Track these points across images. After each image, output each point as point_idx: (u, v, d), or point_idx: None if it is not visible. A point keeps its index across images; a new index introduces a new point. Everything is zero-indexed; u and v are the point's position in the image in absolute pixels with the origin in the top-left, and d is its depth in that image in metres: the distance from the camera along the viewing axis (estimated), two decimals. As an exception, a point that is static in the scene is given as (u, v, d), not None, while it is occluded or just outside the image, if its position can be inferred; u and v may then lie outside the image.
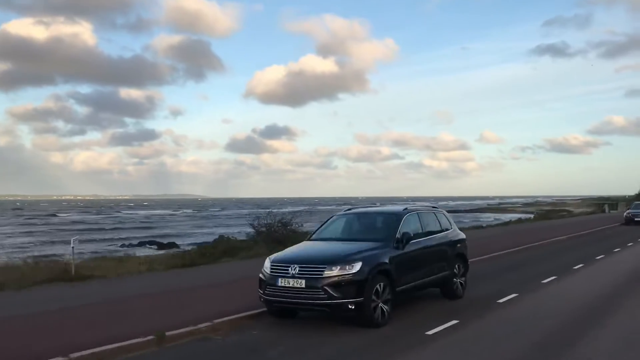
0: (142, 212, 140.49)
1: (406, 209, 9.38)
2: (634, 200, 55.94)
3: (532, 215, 45.54)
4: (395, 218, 8.95)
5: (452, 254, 9.90)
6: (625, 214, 34.33)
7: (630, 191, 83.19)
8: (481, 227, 31.43)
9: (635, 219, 32.45)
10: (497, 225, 33.78)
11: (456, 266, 9.93)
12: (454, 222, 10.77)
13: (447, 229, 10.11)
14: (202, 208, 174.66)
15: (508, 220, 40.45)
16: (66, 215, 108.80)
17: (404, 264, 8.46)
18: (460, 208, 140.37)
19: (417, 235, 9.07)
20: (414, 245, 8.79)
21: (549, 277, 12.33)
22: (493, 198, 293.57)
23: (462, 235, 10.57)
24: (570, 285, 11.48)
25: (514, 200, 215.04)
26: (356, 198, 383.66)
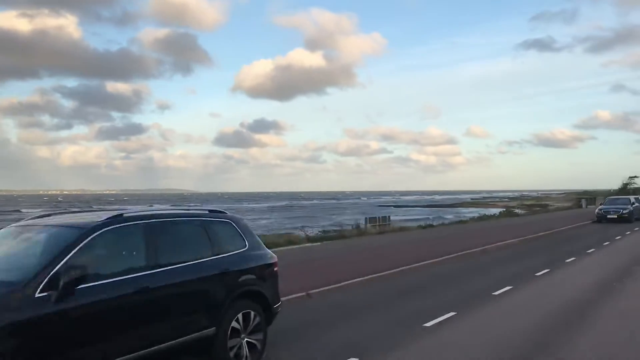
0: (110, 209, 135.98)
1: (118, 216, 4.99)
2: (617, 195, 52.21)
3: (498, 212, 41.42)
4: (65, 239, 4.57)
5: (230, 294, 5.58)
6: (597, 210, 30.32)
7: (615, 185, 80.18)
8: (431, 225, 27.29)
9: (608, 216, 28.46)
10: (451, 223, 29.73)
11: (239, 316, 5.65)
12: (255, 235, 6.45)
13: (228, 252, 5.82)
14: (179, 203, 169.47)
15: (470, 217, 36.36)
16: (28, 212, 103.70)
17: (64, 330, 4.19)
18: (445, 202, 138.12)
19: (125, 270, 4.77)
20: (106, 290, 4.52)
21: (445, 313, 8.13)
22: (480, 192, 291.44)
23: (264, 259, 6.22)
24: (470, 333, 7.24)
25: (501, 194, 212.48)
26: (343, 192, 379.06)
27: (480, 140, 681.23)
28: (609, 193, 67.08)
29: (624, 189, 75.63)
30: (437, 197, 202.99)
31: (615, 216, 28.25)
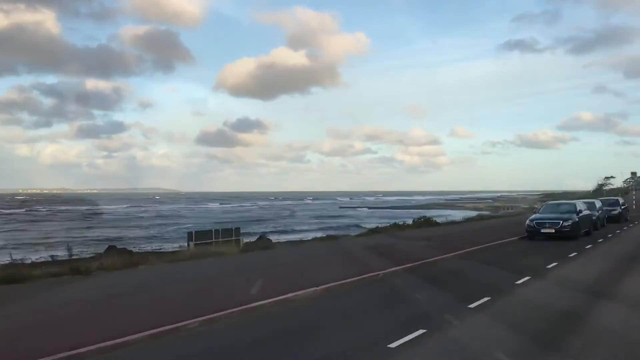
0: (61, 208, 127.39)
1: None
2: (599, 196, 43.72)
3: (412, 220, 31.96)
4: None
5: None
6: (527, 221, 20.60)
7: (592, 186, 73.06)
8: (301, 244, 17.90)
9: (542, 231, 19.07)
10: (318, 238, 20.50)
11: None
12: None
13: None
14: (141, 203, 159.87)
15: (370, 228, 27.10)
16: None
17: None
18: (419, 204, 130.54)
19: None
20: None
21: None
22: (464, 193, 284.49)
23: None
24: None
25: (482, 195, 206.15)
26: (327, 192, 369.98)
27: (463, 140, 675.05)
28: (586, 194, 58.86)
29: (599, 190, 67.25)
30: (420, 198, 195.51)
31: (552, 230, 18.84)
